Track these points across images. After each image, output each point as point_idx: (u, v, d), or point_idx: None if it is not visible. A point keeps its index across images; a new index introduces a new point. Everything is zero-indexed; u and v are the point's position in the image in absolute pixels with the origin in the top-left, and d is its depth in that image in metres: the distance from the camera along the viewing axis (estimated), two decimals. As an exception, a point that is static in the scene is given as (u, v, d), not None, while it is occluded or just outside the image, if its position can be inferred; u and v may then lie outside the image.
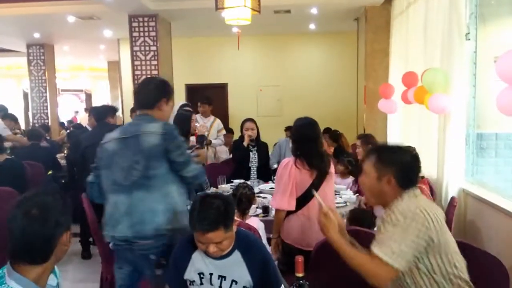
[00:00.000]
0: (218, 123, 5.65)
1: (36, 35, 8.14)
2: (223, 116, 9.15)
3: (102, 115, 4.26)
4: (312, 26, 7.94)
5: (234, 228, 1.80)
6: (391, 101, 4.99)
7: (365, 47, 6.29)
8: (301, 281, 1.41)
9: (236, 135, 7.56)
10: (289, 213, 2.70)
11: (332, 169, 2.79)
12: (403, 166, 1.70)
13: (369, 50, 6.16)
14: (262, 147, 4.65)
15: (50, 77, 9.06)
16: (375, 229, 1.92)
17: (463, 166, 3.58)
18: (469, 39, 3.46)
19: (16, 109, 14.39)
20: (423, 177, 3.39)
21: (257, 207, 3.26)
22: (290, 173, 2.64)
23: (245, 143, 4.47)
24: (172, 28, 7.14)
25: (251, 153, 4.52)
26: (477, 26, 3.47)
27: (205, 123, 5.50)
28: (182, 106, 4.78)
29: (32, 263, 1.30)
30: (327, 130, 6.29)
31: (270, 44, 8.96)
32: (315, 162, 2.67)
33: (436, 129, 3.85)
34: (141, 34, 6.53)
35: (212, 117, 5.63)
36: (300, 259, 1.46)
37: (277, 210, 2.71)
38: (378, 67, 6.04)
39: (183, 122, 4.07)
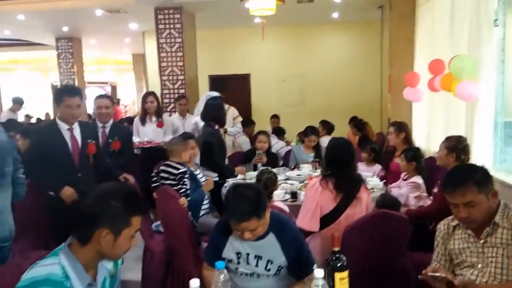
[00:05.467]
0: (233, 111, 5.57)
1: (65, 29, 8.39)
2: (246, 107, 9.25)
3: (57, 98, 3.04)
4: (335, 15, 7.92)
5: (267, 214, 1.89)
6: (416, 89, 4.98)
7: (389, 35, 6.25)
8: (337, 254, 1.49)
9: (258, 126, 7.67)
10: (311, 232, 2.66)
11: (362, 194, 2.65)
12: (489, 173, 1.80)
13: (393, 38, 6.13)
14: (271, 159, 4.62)
15: (78, 70, 9.34)
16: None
17: (491, 154, 3.58)
18: (497, 26, 3.43)
19: (44, 101, 14.90)
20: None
21: (285, 193, 3.35)
22: (315, 195, 2.62)
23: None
24: (196, 19, 7.25)
25: (258, 164, 4.53)
26: (506, 12, 3.44)
27: None
28: (212, 98, 4.83)
29: (77, 239, 1.44)
30: (353, 118, 6.30)
31: (293, 34, 8.97)
32: (343, 185, 2.59)
33: (464, 117, 3.85)
34: (167, 26, 6.67)
35: (226, 106, 5.47)
36: (336, 234, 1.54)
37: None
38: (403, 55, 6.00)
39: (214, 111, 4.20)
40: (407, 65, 5.85)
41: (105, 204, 1.41)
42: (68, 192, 2.95)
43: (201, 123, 4.28)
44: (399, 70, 5.99)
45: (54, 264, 1.38)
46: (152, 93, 4.91)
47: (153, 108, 4.74)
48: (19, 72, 14.84)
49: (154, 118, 4.77)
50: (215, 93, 4.46)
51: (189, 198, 3.15)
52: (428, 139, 5.20)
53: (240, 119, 5.68)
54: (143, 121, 4.78)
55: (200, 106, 4.77)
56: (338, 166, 2.62)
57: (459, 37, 3.99)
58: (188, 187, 3.21)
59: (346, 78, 8.77)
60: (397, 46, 6.10)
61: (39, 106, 14.44)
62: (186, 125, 5.20)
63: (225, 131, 5.31)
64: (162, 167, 3.35)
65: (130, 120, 6.58)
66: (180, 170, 3.24)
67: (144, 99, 4.81)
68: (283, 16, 7.11)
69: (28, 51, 12.02)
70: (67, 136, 3.02)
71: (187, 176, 3.25)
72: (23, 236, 3.19)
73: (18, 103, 7.91)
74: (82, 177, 3.04)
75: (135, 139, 4.72)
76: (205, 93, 4.57)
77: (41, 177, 2.97)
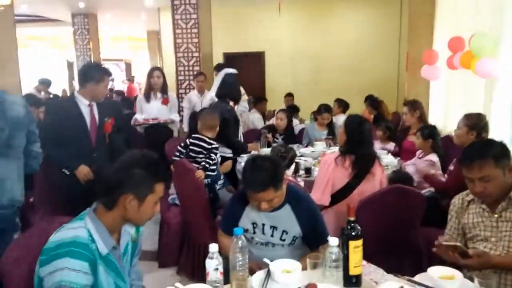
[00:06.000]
0: None
1: (81, 5, 8.40)
2: (260, 84, 9.24)
3: (96, 76, 2.90)
4: (353, -9, 7.76)
5: (284, 186, 1.92)
6: (435, 67, 4.91)
7: (409, 12, 6.11)
8: (352, 224, 1.52)
9: (272, 104, 7.65)
10: (324, 207, 2.70)
11: (376, 169, 2.68)
12: (507, 149, 1.79)
13: (413, 14, 5.99)
14: (290, 137, 4.63)
15: (94, 46, 9.40)
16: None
17: (509, 132, 3.54)
18: (521, 2, 3.34)
19: (60, 78, 15.08)
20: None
21: (300, 169, 3.38)
22: (327, 170, 2.66)
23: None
24: (211, -5, 7.18)
25: (277, 140, 4.56)
26: (531, -12, 3.34)
27: None
28: (228, 74, 4.80)
29: (102, 204, 1.49)
30: (369, 97, 6.24)
31: (309, 11, 8.83)
32: (359, 161, 2.63)
33: (482, 95, 3.80)
34: (182, 2, 6.61)
35: None
36: (351, 205, 1.58)
37: None
38: (422, 32, 5.87)
39: (230, 87, 4.20)
40: (426, 42, 5.72)
41: (130, 171, 1.46)
42: (84, 171, 2.83)
43: (216, 99, 4.30)
44: (417, 47, 5.86)
45: (80, 227, 1.44)
46: (159, 68, 4.62)
47: (159, 83, 4.48)
48: (36, 49, 14.98)
49: (159, 95, 4.52)
50: (232, 70, 4.44)
51: (215, 173, 3.23)
52: (445, 118, 5.15)
53: (245, 97, 5.55)
54: (147, 98, 4.51)
55: (216, 82, 4.75)
56: (357, 143, 2.64)
57: (481, 14, 3.90)
58: (212, 162, 3.24)
59: (362, 56, 8.64)
60: (417, 23, 5.95)
61: (55, 83, 14.63)
62: (204, 102, 5.18)
63: None
64: (192, 140, 3.35)
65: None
66: (213, 146, 3.28)
67: (150, 74, 4.53)
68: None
69: (44, 27, 12.11)
70: (86, 112, 2.89)
71: (217, 152, 3.30)
72: (42, 206, 3.34)
73: (45, 84, 7.94)
74: (97, 157, 2.89)
75: (139, 117, 4.59)
76: (224, 69, 4.54)
77: (55, 153, 2.85)
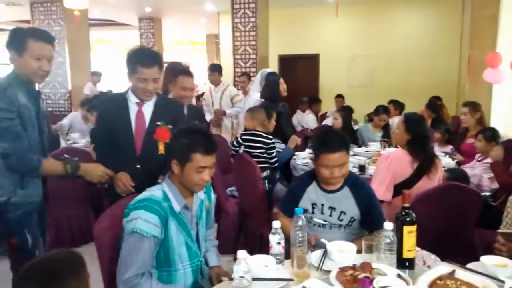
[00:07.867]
0: (231, 90, 5.19)
1: (148, 9, 8.96)
2: (314, 86, 9.32)
3: (130, 66, 2.28)
4: (412, -7, 7.65)
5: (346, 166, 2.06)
6: (498, 70, 4.77)
7: (471, 13, 5.97)
8: (407, 210, 1.62)
9: (326, 106, 7.68)
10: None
11: (438, 166, 2.69)
12: None
13: (475, 16, 5.83)
14: (350, 138, 4.64)
15: (158, 50, 9.94)
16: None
17: None
18: None
19: (126, 82, 16.00)
20: None
21: (353, 167, 3.46)
22: (389, 167, 2.66)
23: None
24: (269, -1, 7.40)
25: None
26: None
27: (216, 92, 5.20)
28: (271, 73, 4.90)
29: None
30: (431, 101, 6.04)
31: (365, 12, 8.78)
32: (425, 159, 2.63)
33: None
34: (242, 6, 6.90)
35: (224, 85, 5.25)
36: (407, 192, 1.67)
37: None
38: (485, 34, 5.69)
39: (274, 87, 4.25)
40: (489, 45, 5.55)
41: (176, 139, 1.73)
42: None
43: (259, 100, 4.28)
44: (480, 49, 5.70)
45: (157, 189, 1.74)
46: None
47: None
48: (103, 51, 16.03)
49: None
50: (271, 69, 4.56)
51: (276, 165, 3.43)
52: (506, 123, 4.98)
53: (239, 98, 5.24)
54: None
55: (256, 83, 4.79)
56: (423, 139, 2.67)
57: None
58: (274, 155, 3.44)
59: (420, 59, 8.45)
60: (480, 25, 5.79)
61: (123, 85, 15.54)
62: (249, 103, 4.91)
63: (224, 114, 5.13)
64: (246, 137, 3.50)
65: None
66: (273, 140, 3.48)
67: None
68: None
69: (112, 30, 12.96)
70: (133, 112, 2.28)
71: (275, 145, 3.48)
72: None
73: (95, 75, 8.55)
74: (142, 170, 2.23)
75: None
76: (261, 70, 4.66)
77: (99, 157, 2.37)
